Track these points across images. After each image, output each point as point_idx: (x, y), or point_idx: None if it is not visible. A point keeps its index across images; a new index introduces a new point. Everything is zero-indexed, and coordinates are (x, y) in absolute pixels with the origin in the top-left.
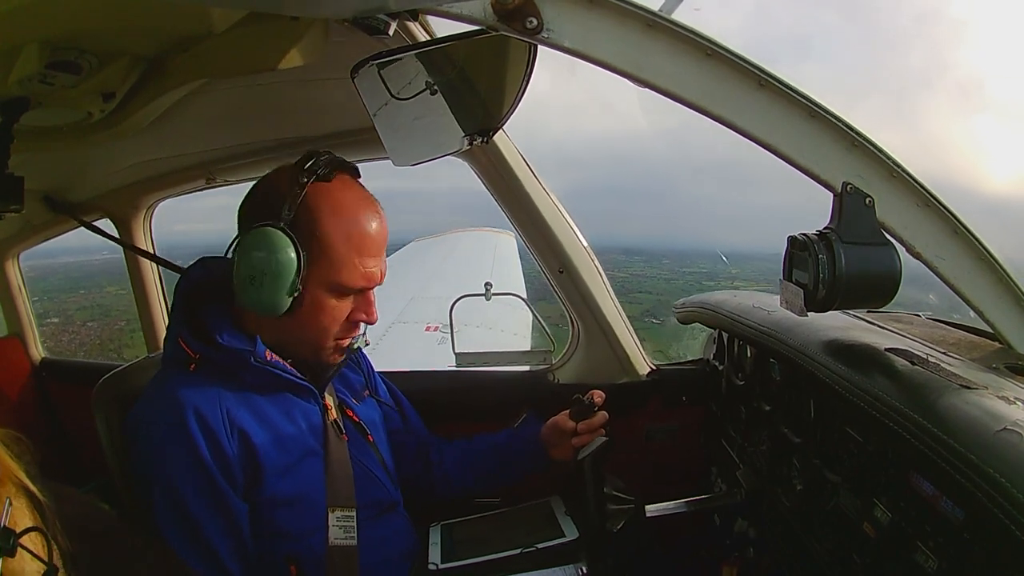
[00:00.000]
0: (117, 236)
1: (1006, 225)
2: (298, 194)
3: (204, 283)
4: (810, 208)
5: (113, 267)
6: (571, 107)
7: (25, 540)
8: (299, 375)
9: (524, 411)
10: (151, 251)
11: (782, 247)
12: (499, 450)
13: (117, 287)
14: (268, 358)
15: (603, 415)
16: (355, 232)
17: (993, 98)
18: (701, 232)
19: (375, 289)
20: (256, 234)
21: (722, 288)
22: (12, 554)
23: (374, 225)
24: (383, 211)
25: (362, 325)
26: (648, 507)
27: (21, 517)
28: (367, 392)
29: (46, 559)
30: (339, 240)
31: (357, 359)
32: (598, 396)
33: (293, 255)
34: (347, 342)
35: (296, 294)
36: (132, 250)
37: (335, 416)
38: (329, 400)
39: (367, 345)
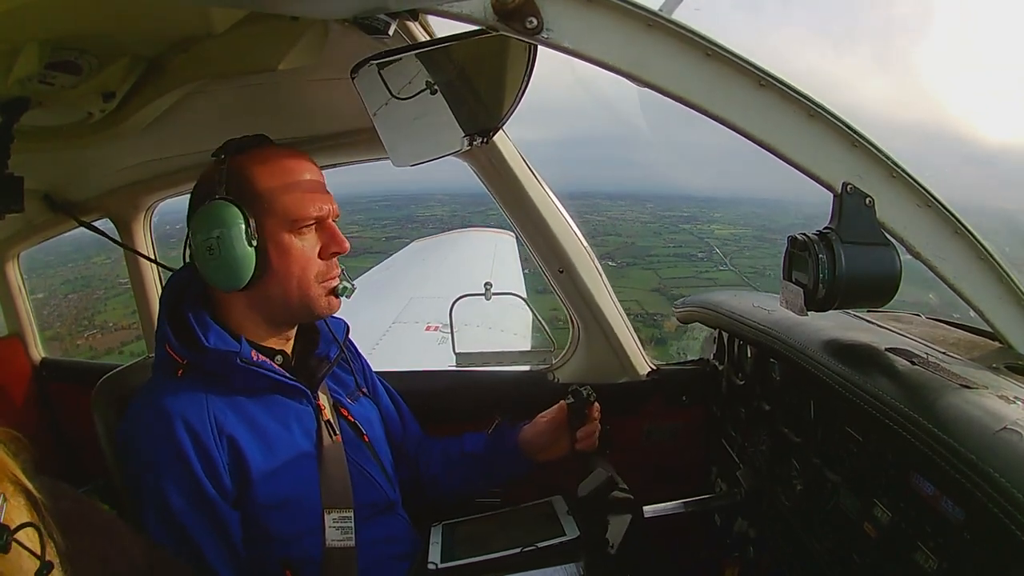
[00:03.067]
0: (117, 236)
1: (1002, 175)
2: (222, 170)
3: (189, 288)
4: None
5: (105, 239)
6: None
7: (20, 536)
8: (288, 375)
9: (497, 418)
10: (151, 251)
11: (766, 192)
12: (477, 458)
13: (103, 256)
14: (254, 358)
15: (597, 416)
16: (287, 172)
17: (987, 45)
18: (691, 178)
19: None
20: (196, 214)
21: (700, 231)
22: (6, 550)
23: (303, 164)
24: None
25: (336, 263)
26: (648, 507)
27: (17, 514)
28: (362, 391)
29: (41, 555)
30: (275, 184)
31: (351, 358)
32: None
33: (235, 210)
34: (333, 283)
35: (254, 244)
36: (132, 251)
37: (329, 416)
38: (323, 400)
39: (347, 295)
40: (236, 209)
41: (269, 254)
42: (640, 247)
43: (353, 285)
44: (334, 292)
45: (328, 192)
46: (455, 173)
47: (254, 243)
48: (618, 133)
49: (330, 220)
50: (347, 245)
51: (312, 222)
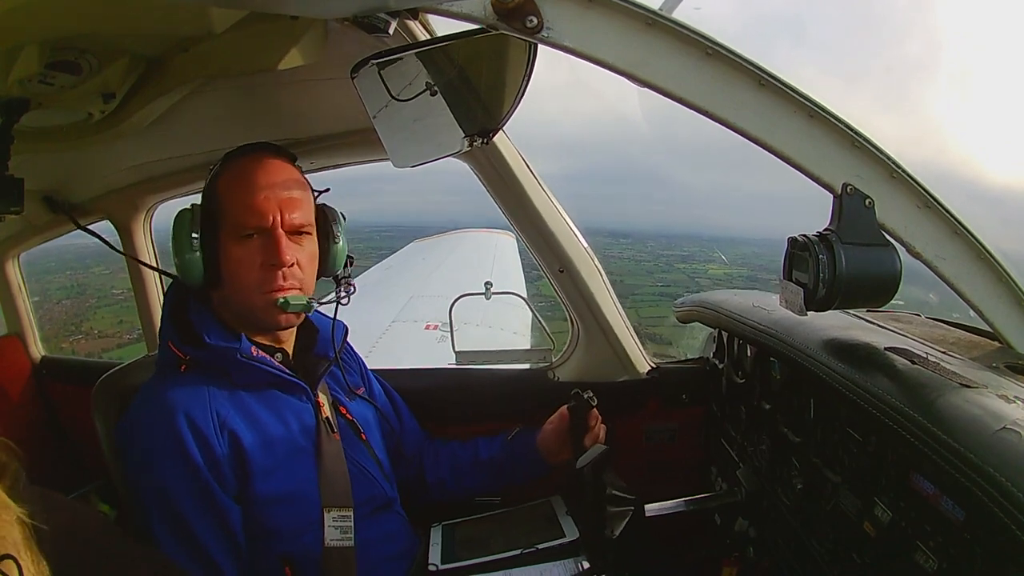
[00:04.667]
0: (117, 237)
1: (1008, 218)
2: (207, 178)
3: (192, 289)
4: (803, 193)
5: (107, 249)
6: (564, 88)
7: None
8: (288, 371)
9: (516, 427)
10: (151, 252)
11: (766, 232)
12: (494, 464)
13: (102, 267)
14: (254, 354)
15: (597, 423)
16: (242, 181)
17: (995, 84)
18: (697, 217)
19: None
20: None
21: (693, 269)
22: None
23: (265, 172)
24: (294, 166)
25: (283, 275)
26: (649, 506)
27: (10, 533)
28: (360, 391)
29: None
30: (229, 192)
31: (349, 359)
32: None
33: (187, 217)
34: (275, 296)
35: (196, 251)
36: (131, 258)
37: (328, 414)
38: (322, 398)
39: (295, 311)
40: (188, 216)
41: (220, 260)
42: (628, 285)
43: (312, 303)
44: (274, 301)
45: (291, 200)
46: (464, 206)
47: (196, 251)
48: (626, 171)
49: (279, 230)
50: (284, 258)
51: (252, 231)
